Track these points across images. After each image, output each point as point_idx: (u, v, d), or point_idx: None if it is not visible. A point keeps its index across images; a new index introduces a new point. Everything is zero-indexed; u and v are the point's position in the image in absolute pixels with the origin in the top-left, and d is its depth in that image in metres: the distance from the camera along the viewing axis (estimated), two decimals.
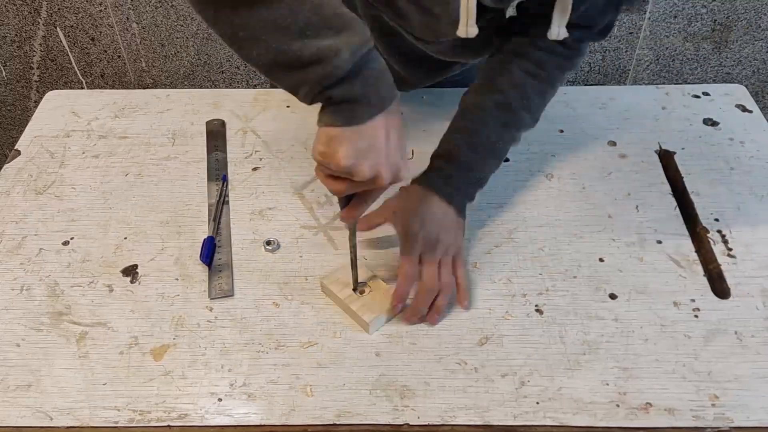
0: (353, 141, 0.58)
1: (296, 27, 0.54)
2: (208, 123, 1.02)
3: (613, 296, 0.78)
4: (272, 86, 1.11)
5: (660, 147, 0.97)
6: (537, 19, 0.76)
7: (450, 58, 0.89)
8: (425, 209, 0.77)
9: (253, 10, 0.54)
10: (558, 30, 0.73)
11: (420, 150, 0.96)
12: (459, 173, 0.79)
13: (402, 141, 0.62)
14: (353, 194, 0.66)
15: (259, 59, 0.58)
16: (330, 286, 0.77)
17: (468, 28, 0.72)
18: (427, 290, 0.74)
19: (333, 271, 0.79)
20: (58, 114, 1.04)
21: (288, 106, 1.05)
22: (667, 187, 0.91)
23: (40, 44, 1.65)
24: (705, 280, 0.80)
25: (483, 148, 0.80)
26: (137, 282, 0.80)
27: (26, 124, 1.03)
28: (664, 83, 1.68)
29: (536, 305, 0.77)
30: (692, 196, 0.90)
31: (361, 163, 0.59)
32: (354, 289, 0.76)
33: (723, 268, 0.81)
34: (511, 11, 0.77)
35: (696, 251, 0.83)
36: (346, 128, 0.58)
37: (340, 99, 0.57)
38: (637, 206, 0.89)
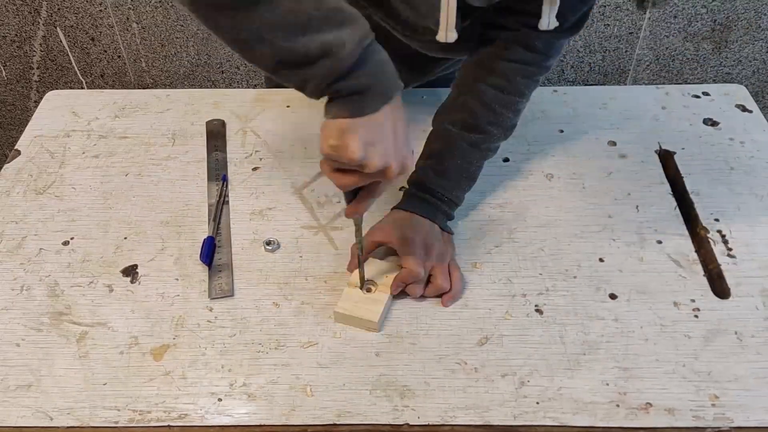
0: (363, 132, 0.58)
1: (299, 24, 0.55)
2: (208, 123, 1.02)
3: (613, 296, 0.78)
4: (272, 86, 1.11)
5: (660, 147, 0.97)
6: (523, 11, 0.76)
7: (441, 54, 0.89)
8: (414, 222, 0.80)
9: (255, 10, 0.54)
10: (548, 20, 0.73)
11: (420, 150, 0.96)
12: (432, 199, 0.81)
13: (406, 132, 0.63)
14: (359, 188, 0.66)
15: (263, 59, 0.58)
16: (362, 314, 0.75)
17: (447, 32, 0.72)
18: (438, 289, 0.77)
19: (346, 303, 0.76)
20: (58, 114, 1.04)
21: (288, 106, 1.05)
22: (667, 187, 0.91)
23: (40, 44, 1.65)
24: (705, 280, 0.80)
25: (452, 173, 0.82)
26: (137, 282, 0.80)
27: (26, 124, 1.03)
28: (664, 83, 1.68)
29: (536, 305, 0.77)
30: (692, 196, 0.90)
31: (372, 154, 0.59)
32: (361, 287, 0.77)
33: (723, 268, 0.81)
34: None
35: (696, 251, 0.83)
36: (355, 119, 0.58)
37: (347, 91, 0.58)
38: (637, 206, 0.89)
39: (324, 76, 0.57)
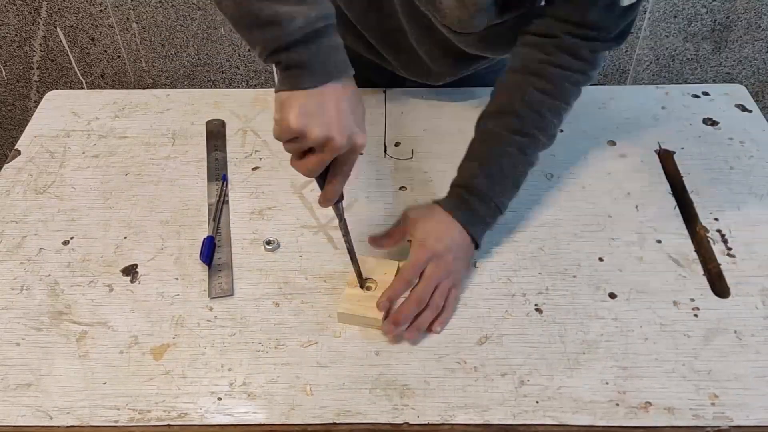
0: (301, 103, 0.61)
1: None
2: (208, 123, 1.02)
3: (612, 296, 0.78)
4: (272, 86, 1.11)
5: (660, 147, 0.97)
6: (567, 20, 0.76)
7: (478, 51, 0.89)
8: (444, 229, 0.77)
9: None
10: None
11: (420, 150, 0.97)
12: (480, 204, 0.79)
13: (357, 111, 0.64)
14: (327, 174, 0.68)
15: (226, 11, 0.62)
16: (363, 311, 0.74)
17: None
18: (417, 299, 0.73)
19: (346, 302, 0.76)
20: (58, 114, 1.04)
21: None
22: (667, 187, 0.91)
23: (40, 44, 1.65)
24: (705, 280, 0.80)
25: (501, 177, 0.80)
26: (137, 281, 0.80)
27: (26, 124, 1.03)
28: (664, 83, 1.68)
29: (536, 305, 0.77)
30: (692, 196, 0.90)
31: (311, 123, 0.61)
32: (361, 286, 0.76)
33: (723, 267, 0.81)
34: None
35: (696, 251, 0.83)
36: (294, 92, 0.61)
37: (287, 64, 0.61)
38: (637, 206, 0.89)
39: (267, 43, 0.61)
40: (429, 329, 0.74)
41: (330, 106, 0.62)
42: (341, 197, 0.72)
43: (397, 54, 0.96)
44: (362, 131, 0.64)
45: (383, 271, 0.78)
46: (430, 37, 0.88)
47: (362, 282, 0.77)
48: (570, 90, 0.81)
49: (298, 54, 0.61)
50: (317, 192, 0.91)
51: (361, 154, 0.89)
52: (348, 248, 0.76)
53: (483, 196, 0.79)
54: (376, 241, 0.80)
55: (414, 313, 0.73)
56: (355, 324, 0.75)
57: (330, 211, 0.88)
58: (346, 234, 0.75)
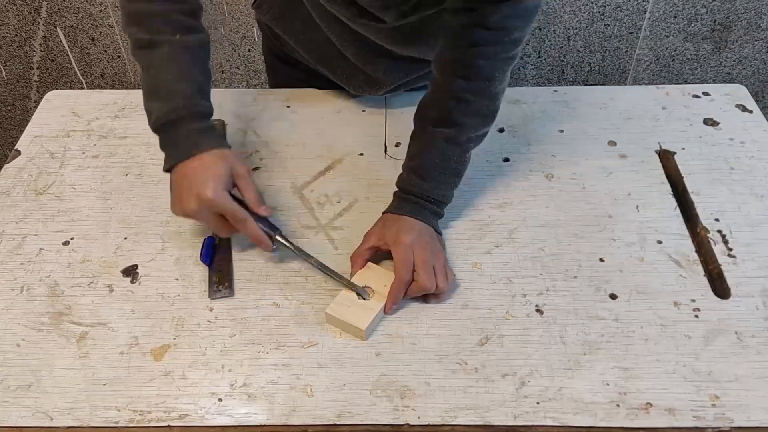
0: (171, 186, 0.78)
1: (146, 90, 0.80)
2: None
3: (613, 296, 0.78)
4: (272, 86, 1.11)
5: (660, 147, 0.97)
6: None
7: (399, 48, 0.91)
8: (409, 224, 0.80)
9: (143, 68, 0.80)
10: None
11: None
12: (417, 199, 0.82)
13: (208, 177, 0.74)
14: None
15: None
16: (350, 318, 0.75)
17: None
18: (421, 289, 0.76)
19: (336, 307, 0.76)
20: (58, 114, 1.04)
21: (288, 106, 1.05)
22: (667, 187, 0.91)
23: (40, 44, 1.65)
24: (705, 280, 0.80)
25: (432, 173, 0.82)
26: (137, 282, 0.80)
27: (26, 124, 1.03)
28: (664, 83, 1.68)
29: (536, 305, 0.77)
30: (692, 196, 0.90)
31: (174, 205, 0.77)
32: (358, 295, 0.76)
33: (723, 268, 0.81)
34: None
35: (696, 251, 0.83)
36: (169, 174, 0.79)
37: (161, 146, 0.79)
38: (637, 206, 0.89)
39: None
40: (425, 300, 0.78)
41: (181, 184, 0.76)
42: (275, 232, 0.78)
43: (335, 68, 0.99)
44: (212, 189, 0.74)
45: (384, 283, 0.77)
46: (361, 43, 0.90)
47: (358, 290, 0.76)
48: (487, 65, 0.78)
49: (162, 140, 0.78)
50: (318, 192, 0.91)
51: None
52: (323, 271, 0.78)
53: (418, 194, 0.82)
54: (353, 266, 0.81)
55: (419, 294, 0.78)
56: (339, 327, 0.75)
57: (330, 212, 0.88)
58: (308, 258, 0.79)
